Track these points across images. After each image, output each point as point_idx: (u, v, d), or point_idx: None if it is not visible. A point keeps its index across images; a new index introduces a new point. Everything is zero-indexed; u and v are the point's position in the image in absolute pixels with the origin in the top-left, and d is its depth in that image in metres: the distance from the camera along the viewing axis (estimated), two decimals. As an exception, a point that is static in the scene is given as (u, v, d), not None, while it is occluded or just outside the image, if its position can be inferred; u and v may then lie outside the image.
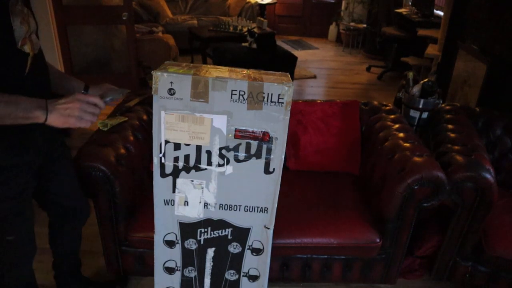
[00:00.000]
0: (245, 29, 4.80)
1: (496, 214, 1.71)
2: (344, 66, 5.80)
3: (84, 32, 3.90)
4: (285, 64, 4.52)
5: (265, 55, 4.41)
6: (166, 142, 1.28)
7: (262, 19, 5.08)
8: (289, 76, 1.31)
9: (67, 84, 1.35)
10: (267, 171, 1.32)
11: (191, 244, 1.48)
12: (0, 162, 1.10)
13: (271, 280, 1.75)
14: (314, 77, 5.13)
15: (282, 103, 1.21)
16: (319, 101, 2.12)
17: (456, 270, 1.78)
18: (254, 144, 1.28)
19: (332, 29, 7.34)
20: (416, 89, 2.24)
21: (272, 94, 1.20)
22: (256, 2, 6.36)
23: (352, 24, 6.47)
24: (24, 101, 1.00)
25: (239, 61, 4.18)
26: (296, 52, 5.38)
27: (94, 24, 3.87)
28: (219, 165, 1.32)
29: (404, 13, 5.18)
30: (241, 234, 1.45)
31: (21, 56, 1.06)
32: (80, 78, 1.41)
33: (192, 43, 5.39)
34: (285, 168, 2.04)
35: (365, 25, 6.33)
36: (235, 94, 1.20)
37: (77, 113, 1.05)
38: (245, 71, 1.30)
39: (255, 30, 4.63)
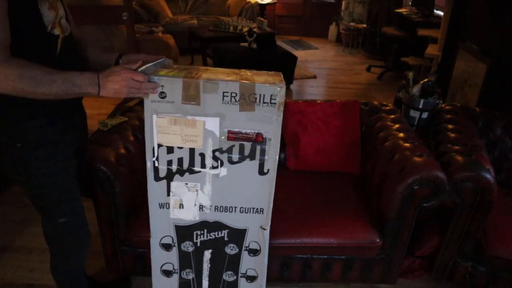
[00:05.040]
0: (245, 29, 4.80)
1: (496, 214, 1.71)
2: (344, 66, 5.80)
3: (84, 32, 3.90)
4: (285, 64, 4.52)
5: (265, 55, 4.41)
6: (159, 145, 1.27)
7: (262, 19, 5.07)
8: (282, 75, 1.29)
9: (104, 61, 1.39)
10: (261, 172, 1.32)
11: (188, 246, 1.48)
12: (42, 138, 1.18)
13: (271, 280, 1.75)
14: (314, 77, 5.13)
15: (275, 103, 1.20)
16: (319, 101, 2.12)
17: (456, 270, 1.78)
18: (247, 145, 1.27)
19: (332, 29, 7.34)
20: (416, 89, 2.24)
21: (264, 95, 1.19)
22: (256, 2, 6.36)
23: (352, 24, 6.46)
24: (78, 78, 1.08)
25: (239, 61, 4.18)
26: (296, 52, 5.38)
27: (94, 24, 3.87)
28: (213, 167, 1.31)
29: (404, 13, 5.18)
30: (238, 235, 1.45)
31: (52, 38, 1.13)
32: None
33: (192, 43, 5.39)
34: (285, 168, 2.04)
35: (365, 25, 6.32)
36: (227, 96, 1.19)
37: (125, 90, 1.13)
38: (237, 71, 1.29)
39: (255, 30, 4.62)
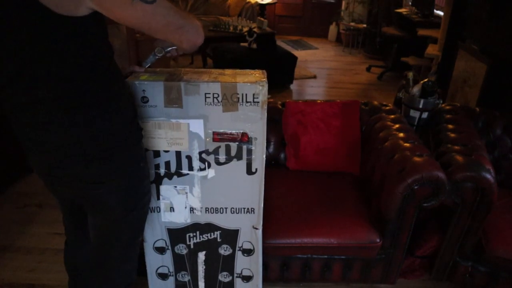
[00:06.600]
0: (245, 29, 4.80)
1: (496, 214, 1.71)
2: (344, 66, 5.80)
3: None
4: (285, 64, 4.53)
5: (265, 55, 4.41)
6: (146, 150, 1.27)
7: (262, 19, 5.07)
8: (265, 73, 1.27)
9: None
10: (249, 171, 1.31)
11: (181, 249, 1.48)
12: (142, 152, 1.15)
13: (271, 280, 1.76)
14: (314, 77, 5.13)
15: (258, 102, 1.19)
16: (319, 101, 2.12)
17: (456, 270, 1.78)
18: (233, 145, 1.27)
19: (332, 29, 7.34)
20: (416, 89, 2.24)
21: (246, 94, 1.18)
22: (256, 2, 6.36)
23: (352, 24, 6.46)
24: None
25: (239, 61, 4.17)
26: (296, 52, 5.38)
27: (94, 24, 3.86)
28: (201, 169, 1.31)
29: (404, 13, 5.18)
30: (230, 236, 1.45)
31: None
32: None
33: (192, 43, 5.37)
34: (285, 168, 2.04)
35: (365, 25, 6.32)
36: (209, 97, 1.18)
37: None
38: (220, 71, 1.28)
39: (255, 30, 4.62)
